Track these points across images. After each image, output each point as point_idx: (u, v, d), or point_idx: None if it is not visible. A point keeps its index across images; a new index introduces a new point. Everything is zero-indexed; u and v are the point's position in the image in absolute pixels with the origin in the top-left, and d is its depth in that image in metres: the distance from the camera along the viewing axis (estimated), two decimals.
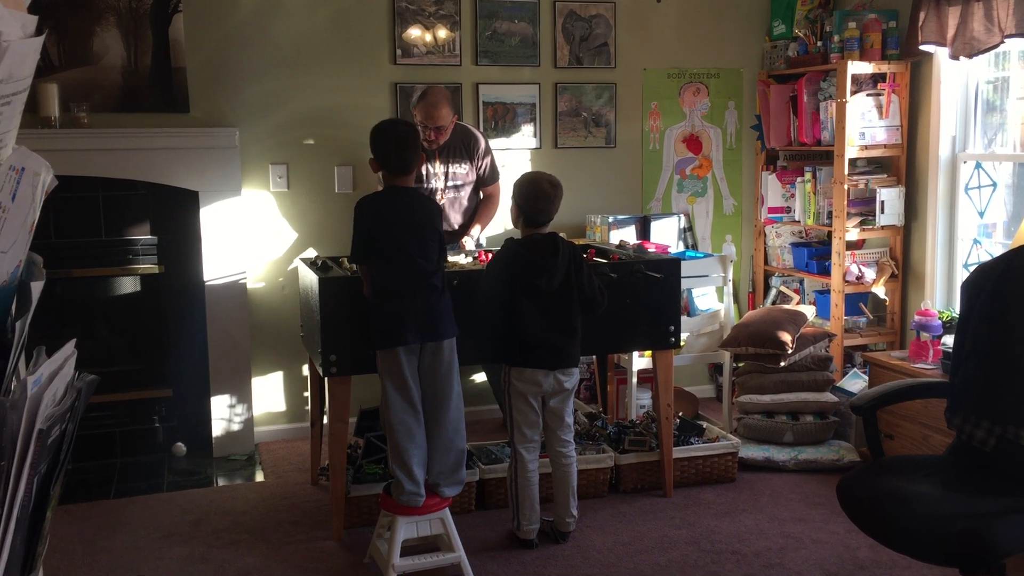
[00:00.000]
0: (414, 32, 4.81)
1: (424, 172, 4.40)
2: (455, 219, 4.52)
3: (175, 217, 4.51)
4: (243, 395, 4.63)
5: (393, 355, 3.25)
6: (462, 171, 4.48)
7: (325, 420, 3.94)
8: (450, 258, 3.90)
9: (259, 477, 4.32)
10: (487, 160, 4.55)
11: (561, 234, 3.53)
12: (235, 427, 4.63)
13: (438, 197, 4.43)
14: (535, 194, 3.45)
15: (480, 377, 5.13)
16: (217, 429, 4.60)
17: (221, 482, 4.27)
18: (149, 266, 4.53)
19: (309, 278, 3.72)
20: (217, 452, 4.59)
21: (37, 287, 1.06)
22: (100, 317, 4.61)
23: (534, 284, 3.37)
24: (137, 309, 4.59)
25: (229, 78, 4.58)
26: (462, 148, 4.47)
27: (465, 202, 4.54)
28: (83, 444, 4.46)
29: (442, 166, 4.43)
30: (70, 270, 4.39)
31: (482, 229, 4.58)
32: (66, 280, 4.40)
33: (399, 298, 3.24)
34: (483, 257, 4.05)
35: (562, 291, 3.41)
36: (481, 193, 4.61)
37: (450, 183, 4.46)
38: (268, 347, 4.74)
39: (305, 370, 4.70)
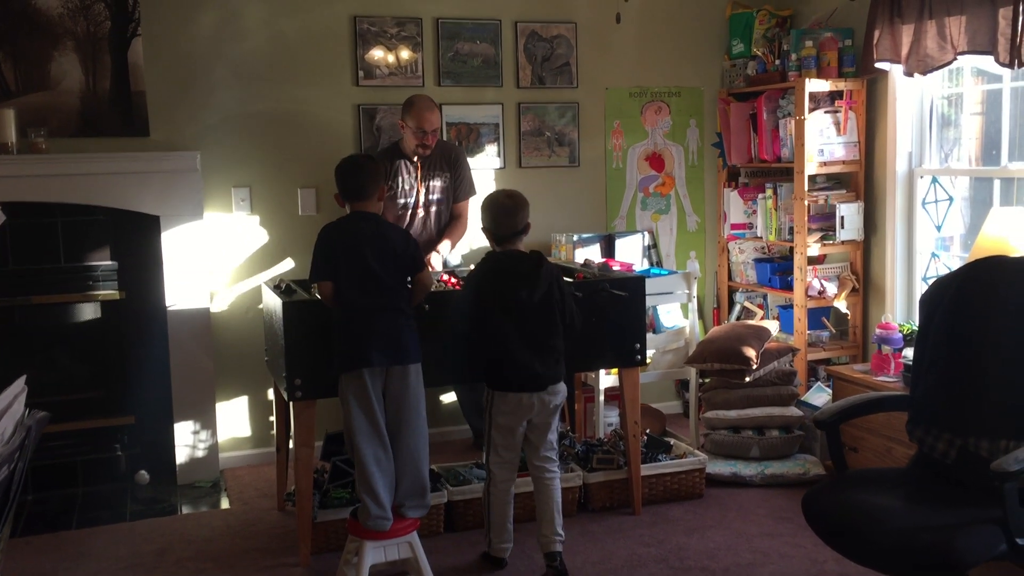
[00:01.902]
0: (376, 53, 4.81)
1: (405, 186, 4.46)
2: (432, 232, 4.58)
3: (136, 242, 4.47)
4: (207, 421, 4.57)
5: (359, 378, 3.23)
6: (443, 185, 4.54)
7: (291, 445, 3.91)
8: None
9: (224, 504, 4.26)
10: (466, 174, 4.62)
11: None
12: (199, 454, 4.57)
13: (419, 211, 4.49)
14: (495, 210, 3.45)
15: (447, 398, 5.11)
16: (181, 456, 4.54)
17: (186, 510, 4.21)
18: (110, 292, 4.47)
19: (273, 302, 3.70)
20: (181, 479, 4.53)
21: None
22: (60, 344, 4.54)
23: (514, 298, 3.34)
24: (98, 335, 4.53)
25: (189, 101, 4.55)
26: (443, 162, 4.54)
27: (444, 217, 4.60)
28: (44, 474, 4.38)
29: (424, 180, 4.49)
30: (29, 297, 4.33)
31: (452, 247, 4.59)
32: (25, 307, 4.34)
33: (365, 319, 3.23)
34: (449, 281, 4.03)
35: (542, 307, 3.38)
36: (452, 210, 4.64)
37: (431, 196, 4.52)
38: (232, 372, 4.70)
39: (270, 395, 4.65)
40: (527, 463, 3.55)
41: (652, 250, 5.37)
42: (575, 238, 4.99)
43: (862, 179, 4.76)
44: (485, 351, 3.41)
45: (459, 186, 4.60)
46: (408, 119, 4.37)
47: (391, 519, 3.24)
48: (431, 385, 3.43)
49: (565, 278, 4.00)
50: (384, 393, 3.28)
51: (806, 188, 4.67)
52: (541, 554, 3.47)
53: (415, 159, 4.46)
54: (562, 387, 3.47)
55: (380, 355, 3.21)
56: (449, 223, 4.63)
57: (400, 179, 4.47)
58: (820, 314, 4.92)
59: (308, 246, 4.63)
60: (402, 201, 4.49)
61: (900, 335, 4.10)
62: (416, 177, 4.48)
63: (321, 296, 3.36)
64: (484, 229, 3.51)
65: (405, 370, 3.28)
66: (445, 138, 4.92)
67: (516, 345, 3.35)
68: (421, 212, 4.52)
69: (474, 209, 4.68)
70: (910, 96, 4.56)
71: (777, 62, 4.99)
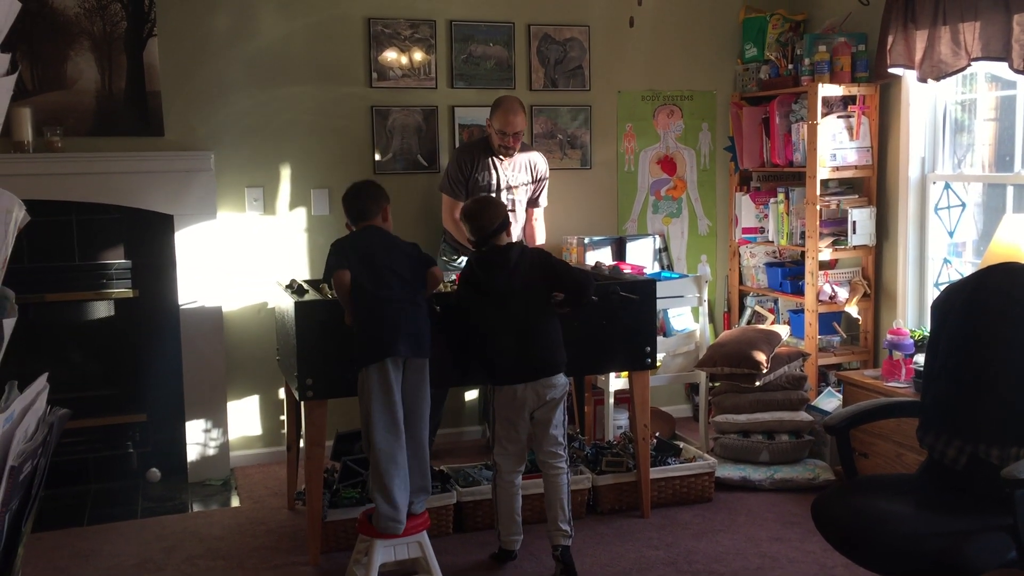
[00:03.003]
0: (390, 55, 4.83)
1: (491, 180, 4.56)
2: (514, 231, 4.67)
3: (149, 241, 4.49)
4: (218, 419, 4.60)
5: (383, 368, 3.23)
6: (523, 189, 4.65)
7: (301, 444, 3.93)
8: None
9: (235, 502, 4.28)
10: (544, 182, 4.76)
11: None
12: (210, 452, 4.59)
13: None
14: (463, 217, 3.53)
15: (468, 395, 5.12)
16: (192, 454, 4.57)
17: (196, 508, 4.24)
18: (123, 290, 4.50)
19: (285, 302, 3.72)
20: (192, 477, 4.56)
21: (9, 324, 1.06)
22: (74, 342, 4.57)
23: (491, 288, 3.39)
24: (111, 333, 4.56)
25: (204, 101, 4.58)
26: (525, 166, 4.66)
27: (520, 216, 4.69)
28: (55, 471, 4.39)
29: (503, 178, 4.58)
30: (43, 295, 4.36)
31: None
32: (39, 305, 4.36)
33: (386, 310, 3.25)
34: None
35: (524, 295, 3.40)
36: (528, 212, 4.79)
37: (510, 197, 4.61)
38: (244, 371, 4.72)
39: (281, 394, 4.67)
40: (536, 459, 3.58)
41: (663, 253, 5.37)
42: (586, 241, 5.00)
43: (874, 184, 4.76)
44: (477, 346, 3.46)
45: (536, 195, 4.74)
46: (493, 120, 4.48)
47: (404, 523, 3.23)
48: (452, 386, 3.45)
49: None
50: (402, 386, 3.30)
51: (818, 193, 4.67)
52: (550, 554, 3.49)
53: (500, 158, 4.56)
54: (560, 380, 3.47)
55: (405, 346, 3.24)
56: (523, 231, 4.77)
57: (486, 173, 4.57)
58: (831, 319, 4.91)
59: (321, 246, 4.70)
60: (485, 195, 4.56)
61: (911, 341, 4.09)
62: (499, 176, 4.58)
63: (338, 288, 3.33)
64: (468, 241, 3.58)
65: (423, 363, 3.32)
66: (457, 141, 4.93)
67: (502, 337, 3.40)
68: None
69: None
70: (923, 101, 4.56)
71: (790, 66, 4.99)
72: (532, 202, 4.75)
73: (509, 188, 4.61)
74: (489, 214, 3.47)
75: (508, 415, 3.45)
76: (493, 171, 4.57)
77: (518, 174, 4.64)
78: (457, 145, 4.91)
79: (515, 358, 3.40)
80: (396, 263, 3.33)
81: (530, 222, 4.79)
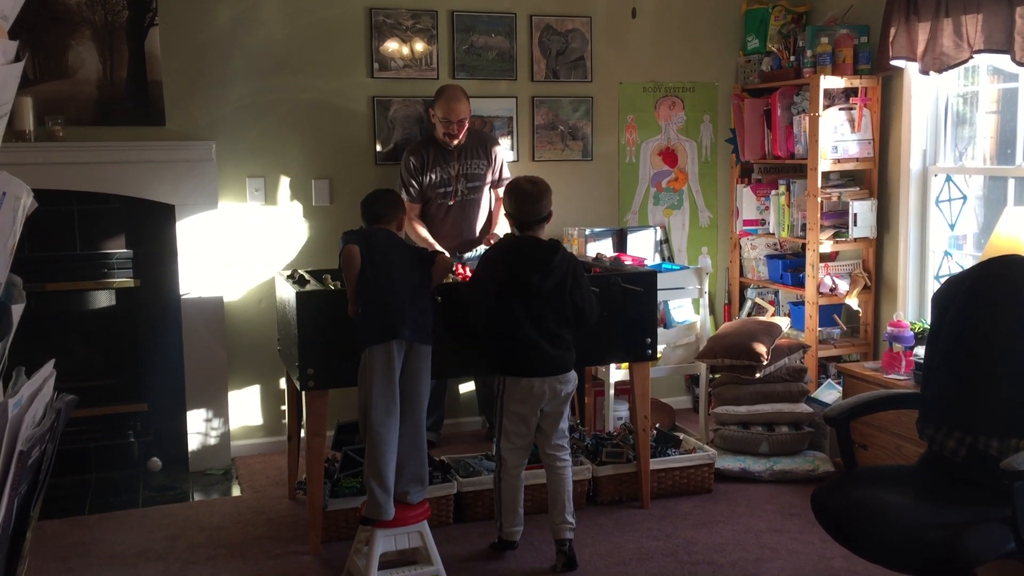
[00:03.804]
0: (391, 45, 4.83)
1: (443, 175, 4.56)
2: (474, 219, 4.68)
3: (151, 231, 4.49)
4: (219, 409, 4.61)
5: (387, 350, 3.24)
6: (480, 172, 4.64)
7: (302, 434, 3.94)
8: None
9: (236, 492, 4.30)
10: (501, 161, 4.74)
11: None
12: (211, 441, 4.60)
13: (458, 198, 4.61)
14: (517, 196, 3.48)
15: (464, 388, 5.12)
16: (193, 443, 4.58)
17: (197, 497, 4.25)
18: (124, 280, 4.50)
19: (286, 292, 3.72)
20: (193, 467, 4.57)
21: (17, 310, 1.07)
22: (75, 331, 4.57)
23: (527, 281, 3.35)
24: (112, 323, 4.56)
25: (205, 91, 4.58)
26: (480, 149, 4.65)
27: (482, 202, 4.70)
28: (57, 459, 4.37)
29: (461, 167, 4.58)
30: (44, 284, 4.36)
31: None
32: (40, 294, 4.36)
33: (393, 294, 3.27)
34: (461, 271, 4.05)
35: (555, 296, 3.39)
36: (493, 194, 4.76)
37: (469, 184, 4.61)
38: (245, 361, 4.73)
39: (282, 384, 4.68)
40: (539, 451, 3.57)
41: (664, 245, 5.37)
42: (587, 232, 5.01)
43: (876, 176, 4.76)
44: (495, 334, 3.43)
45: (497, 176, 4.72)
46: (437, 108, 4.48)
47: (393, 508, 3.26)
48: (457, 376, 3.44)
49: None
50: (401, 372, 3.32)
51: (819, 185, 4.67)
52: (551, 544, 3.50)
53: (451, 148, 4.54)
54: (573, 375, 3.49)
55: (410, 330, 3.26)
56: (495, 207, 4.75)
57: (439, 168, 4.55)
58: (831, 311, 4.92)
59: (322, 236, 4.71)
60: (441, 190, 4.58)
61: (911, 333, 4.10)
62: (453, 166, 4.56)
63: (346, 262, 3.30)
64: (507, 215, 3.56)
65: (425, 350, 3.33)
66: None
67: (526, 328, 3.37)
68: (460, 198, 4.61)
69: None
70: (925, 94, 4.56)
71: (792, 58, 4.98)
72: (496, 183, 4.71)
73: (468, 176, 4.60)
74: (545, 201, 3.47)
75: (521, 410, 3.43)
76: (448, 164, 4.56)
77: (475, 161, 4.63)
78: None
79: (538, 352, 3.37)
80: (402, 258, 3.38)
81: (499, 201, 4.73)
